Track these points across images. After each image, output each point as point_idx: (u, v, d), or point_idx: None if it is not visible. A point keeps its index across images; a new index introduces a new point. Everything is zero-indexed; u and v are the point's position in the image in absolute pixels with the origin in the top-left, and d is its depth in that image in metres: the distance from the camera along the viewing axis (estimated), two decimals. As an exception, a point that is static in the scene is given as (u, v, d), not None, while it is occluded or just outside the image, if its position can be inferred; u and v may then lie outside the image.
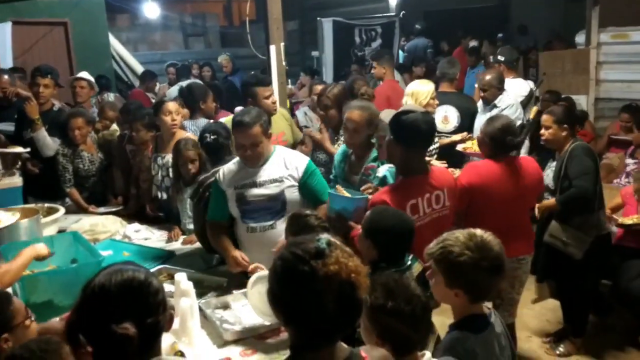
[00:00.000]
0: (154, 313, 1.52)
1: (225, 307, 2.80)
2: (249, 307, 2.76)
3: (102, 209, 4.45)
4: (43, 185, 4.55)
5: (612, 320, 4.09)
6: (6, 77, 4.85)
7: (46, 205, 3.93)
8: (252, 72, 5.68)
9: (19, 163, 4.64)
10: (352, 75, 6.83)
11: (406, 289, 1.72)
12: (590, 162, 3.64)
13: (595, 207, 3.67)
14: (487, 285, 1.87)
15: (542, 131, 3.84)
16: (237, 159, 3.14)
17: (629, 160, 5.18)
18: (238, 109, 6.12)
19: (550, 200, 3.76)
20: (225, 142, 3.46)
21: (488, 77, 4.94)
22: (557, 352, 3.83)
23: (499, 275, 1.88)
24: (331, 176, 3.51)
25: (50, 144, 4.52)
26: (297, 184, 3.05)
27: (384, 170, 3.12)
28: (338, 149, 3.73)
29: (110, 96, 7.05)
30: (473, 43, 9.27)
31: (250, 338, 2.52)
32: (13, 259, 2.62)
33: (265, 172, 3.04)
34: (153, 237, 3.91)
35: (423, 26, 10.65)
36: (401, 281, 1.77)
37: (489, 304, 1.97)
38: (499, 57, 5.75)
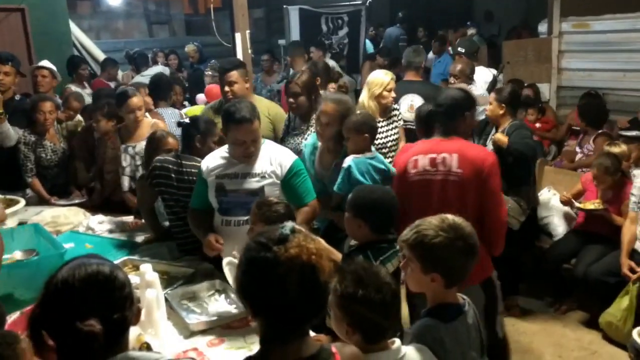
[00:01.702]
0: (120, 308, 1.48)
1: (192, 297, 2.78)
2: (215, 297, 2.75)
3: (63, 201, 4.36)
4: (2, 176, 4.43)
5: (570, 303, 4.19)
6: None
7: (6, 197, 3.83)
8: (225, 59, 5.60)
9: None
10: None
11: (376, 277, 1.74)
12: (529, 133, 4.02)
13: (531, 181, 4.04)
14: (461, 266, 1.91)
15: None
16: (223, 148, 3.07)
17: (578, 149, 5.32)
18: (200, 96, 6.10)
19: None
20: (195, 133, 3.40)
21: (460, 66, 5.06)
22: None
23: (472, 256, 1.92)
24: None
25: (12, 134, 4.40)
26: (278, 181, 2.97)
27: (349, 160, 3.12)
28: (308, 140, 3.73)
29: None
30: (471, 31, 9.31)
31: (217, 328, 2.51)
32: None
33: (249, 166, 2.97)
34: (117, 229, 3.84)
35: (404, 15, 10.66)
36: (371, 269, 1.79)
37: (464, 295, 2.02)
38: (459, 49, 5.85)
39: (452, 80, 5.07)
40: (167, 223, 3.60)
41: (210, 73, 6.91)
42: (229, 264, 2.65)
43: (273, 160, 3.00)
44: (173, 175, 3.28)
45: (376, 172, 3.12)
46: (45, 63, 5.49)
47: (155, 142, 3.67)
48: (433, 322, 1.89)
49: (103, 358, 1.45)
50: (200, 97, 6.53)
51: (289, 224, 1.43)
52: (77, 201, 4.35)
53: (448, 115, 2.96)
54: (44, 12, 7.36)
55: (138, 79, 7.31)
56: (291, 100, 3.90)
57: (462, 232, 1.91)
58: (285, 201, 2.68)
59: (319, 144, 3.44)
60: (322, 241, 1.44)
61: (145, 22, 13.33)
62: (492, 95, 4.34)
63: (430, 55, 8.42)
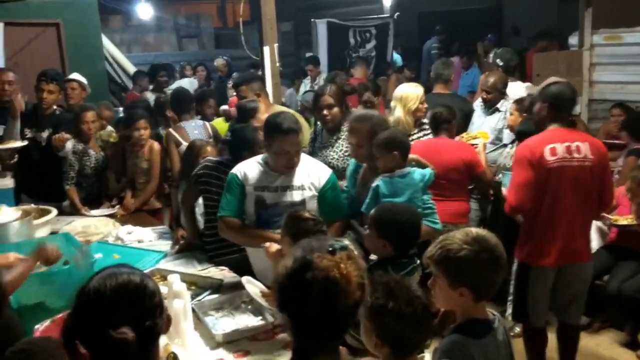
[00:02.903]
0: (151, 316, 1.49)
1: (219, 308, 2.79)
2: (242, 308, 2.76)
3: (94, 212, 4.43)
4: (39, 184, 4.53)
5: (603, 320, 4.09)
6: (11, 74, 4.86)
7: (39, 206, 3.90)
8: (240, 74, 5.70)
9: (16, 157, 4.61)
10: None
11: (407, 290, 1.72)
12: None
13: None
14: (489, 279, 1.89)
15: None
16: (255, 158, 3.07)
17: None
18: (224, 108, 6.16)
19: None
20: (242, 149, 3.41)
21: (492, 79, 4.94)
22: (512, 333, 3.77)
23: (500, 268, 1.89)
24: (344, 186, 3.33)
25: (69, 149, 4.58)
26: (317, 193, 2.97)
27: (377, 180, 3.03)
28: (335, 151, 3.74)
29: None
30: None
31: (244, 339, 2.50)
32: (21, 262, 2.52)
33: (288, 178, 2.95)
34: (146, 239, 3.88)
35: (442, 27, 10.59)
36: (402, 282, 1.77)
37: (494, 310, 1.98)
38: (498, 61, 5.72)
39: (483, 95, 4.98)
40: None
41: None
42: (249, 282, 2.67)
43: (311, 172, 2.99)
44: (222, 176, 3.27)
45: (411, 188, 3.00)
46: (74, 76, 5.62)
47: (195, 150, 3.79)
48: (462, 338, 1.86)
49: None
50: (224, 108, 6.59)
51: (345, 242, 1.46)
52: (107, 213, 4.42)
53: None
54: (78, 27, 7.54)
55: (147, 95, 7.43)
56: (325, 112, 3.83)
57: (487, 244, 1.88)
58: (317, 217, 2.60)
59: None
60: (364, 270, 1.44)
61: (175, 36, 13.55)
62: (513, 105, 4.31)
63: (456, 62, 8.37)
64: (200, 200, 3.58)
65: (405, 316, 1.67)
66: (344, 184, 3.39)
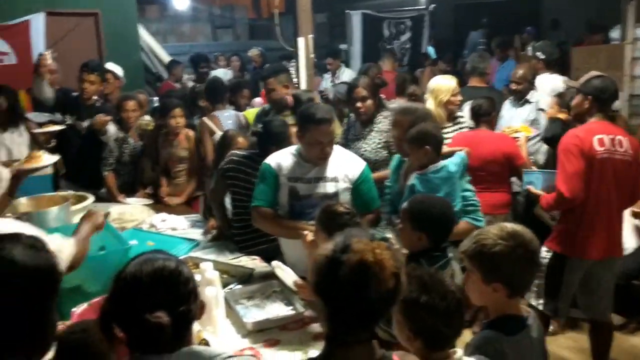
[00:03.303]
0: (185, 301, 1.52)
1: (250, 297, 2.81)
2: (272, 298, 2.77)
3: (130, 200, 4.51)
4: (78, 171, 4.63)
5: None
6: (50, 60, 4.99)
7: (76, 193, 3.98)
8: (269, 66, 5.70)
9: (53, 142, 4.72)
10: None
11: (441, 284, 1.71)
12: None
13: None
14: (523, 275, 1.87)
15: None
16: (289, 149, 3.07)
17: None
18: (257, 100, 6.20)
19: None
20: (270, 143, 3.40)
21: (522, 70, 4.91)
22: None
23: (534, 264, 1.88)
24: (387, 182, 3.28)
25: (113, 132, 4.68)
26: (351, 185, 2.97)
27: (412, 177, 2.96)
28: (368, 143, 3.71)
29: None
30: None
31: (274, 329, 2.52)
32: (78, 237, 2.51)
33: (322, 170, 2.95)
34: (180, 227, 3.94)
35: (488, 20, 10.39)
36: (436, 276, 1.76)
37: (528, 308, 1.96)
38: (539, 54, 5.60)
39: (513, 86, 4.92)
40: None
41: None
42: (278, 267, 2.69)
43: (344, 164, 2.99)
44: (249, 170, 3.30)
45: (447, 182, 2.91)
46: (109, 66, 5.73)
47: (227, 140, 3.83)
48: (495, 334, 1.84)
49: (170, 350, 1.49)
50: (257, 100, 6.61)
51: (388, 234, 1.45)
52: (144, 202, 4.49)
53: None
54: (115, 17, 7.66)
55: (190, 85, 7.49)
56: (359, 104, 3.83)
57: (522, 239, 1.87)
58: (352, 210, 2.58)
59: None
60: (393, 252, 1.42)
61: (210, 26, 13.65)
62: (554, 98, 4.23)
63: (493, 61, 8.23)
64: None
65: (438, 310, 1.66)
66: (385, 175, 3.36)
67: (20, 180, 3.76)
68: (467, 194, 2.98)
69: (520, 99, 4.80)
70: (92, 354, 1.74)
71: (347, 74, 8.05)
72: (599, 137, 3.16)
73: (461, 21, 11.51)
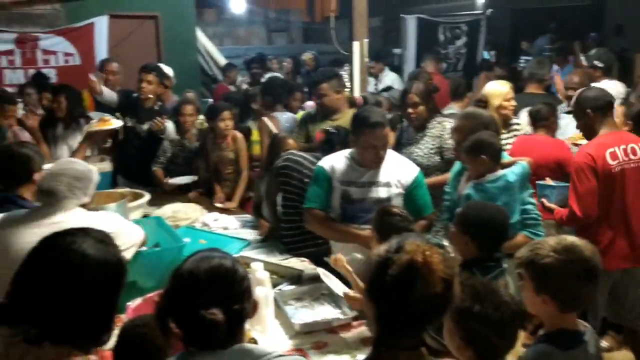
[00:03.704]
0: (239, 300, 1.55)
1: (298, 298, 2.83)
2: (321, 300, 2.78)
3: (173, 181, 4.62)
4: (135, 169, 4.78)
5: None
6: (115, 64, 5.16)
7: (133, 190, 4.10)
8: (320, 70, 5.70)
9: (109, 142, 4.88)
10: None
11: (495, 294, 1.68)
12: None
13: None
14: (575, 292, 1.81)
15: None
16: (343, 152, 3.07)
17: None
18: (309, 104, 6.22)
19: None
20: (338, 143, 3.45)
21: (577, 78, 4.80)
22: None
23: (589, 282, 1.81)
24: (446, 188, 3.23)
25: (171, 130, 4.80)
26: (403, 191, 2.95)
27: (467, 187, 2.91)
28: (421, 148, 3.68)
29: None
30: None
31: (322, 331, 2.53)
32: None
33: (375, 174, 2.94)
34: (231, 227, 4.00)
35: (556, 25, 10.13)
36: (490, 286, 1.73)
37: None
38: (596, 63, 5.44)
39: (570, 92, 4.78)
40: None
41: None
42: (325, 276, 2.70)
43: (398, 169, 2.98)
44: (304, 170, 3.34)
45: (506, 192, 2.83)
46: (161, 67, 5.88)
47: (278, 142, 3.89)
48: (549, 348, 1.79)
49: (223, 347, 1.52)
50: (309, 103, 6.63)
51: (444, 242, 1.45)
52: (185, 181, 4.59)
53: (610, 108, 3.29)
54: (174, 19, 7.87)
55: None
56: (410, 110, 3.80)
57: (579, 255, 1.81)
58: (407, 215, 2.57)
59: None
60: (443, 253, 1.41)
61: (265, 30, 13.81)
62: (620, 108, 4.08)
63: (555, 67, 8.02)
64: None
65: (491, 320, 1.63)
66: (437, 181, 3.33)
67: (93, 141, 4.20)
68: (529, 207, 2.89)
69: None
70: (152, 348, 1.80)
71: (390, 78, 8.01)
72: (611, 150, 3.13)
73: (518, 26, 11.24)
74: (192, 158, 4.82)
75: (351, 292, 2.51)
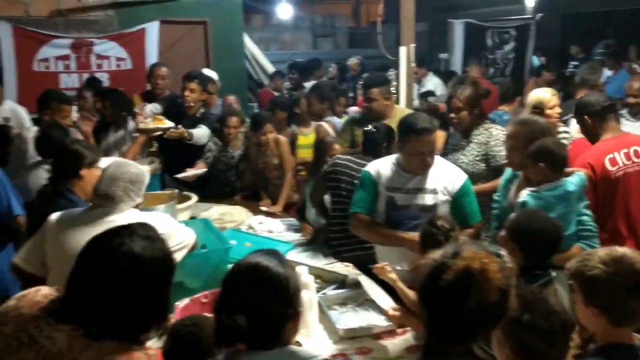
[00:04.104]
0: (292, 303, 1.58)
1: (342, 303, 2.83)
2: (365, 306, 2.78)
3: (190, 170, 4.68)
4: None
5: None
6: (164, 69, 5.28)
7: (181, 192, 4.18)
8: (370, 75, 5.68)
9: (155, 146, 4.99)
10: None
11: (545, 304, 1.64)
12: None
13: None
14: (625, 305, 1.74)
15: None
16: (390, 158, 3.06)
17: None
18: (353, 109, 6.22)
19: None
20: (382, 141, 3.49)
21: (638, 84, 4.62)
22: None
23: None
24: (495, 196, 3.16)
25: (202, 139, 4.81)
26: (450, 198, 2.92)
27: (524, 194, 2.78)
28: (466, 155, 3.63)
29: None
30: None
31: (366, 337, 2.52)
32: None
33: (422, 181, 2.92)
34: (276, 230, 4.04)
35: (613, 30, 9.86)
36: (539, 295, 1.69)
37: None
38: None
39: (631, 100, 4.63)
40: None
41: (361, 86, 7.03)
42: (366, 283, 2.69)
43: (445, 176, 2.94)
44: (352, 173, 3.36)
45: (563, 202, 2.73)
46: (205, 71, 6.00)
47: (323, 147, 3.93)
48: None
49: (270, 347, 1.54)
50: (353, 109, 6.62)
51: (501, 250, 1.46)
52: (198, 172, 4.65)
53: (609, 111, 3.28)
54: (223, 25, 8.00)
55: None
56: (452, 115, 3.78)
57: (629, 267, 1.74)
58: (449, 233, 2.52)
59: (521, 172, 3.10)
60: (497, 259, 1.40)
61: (311, 35, 13.90)
62: None
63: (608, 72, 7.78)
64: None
65: (541, 330, 1.59)
66: (483, 188, 3.30)
67: (145, 140, 4.54)
68: (585, 218, 2.80)
69: (636, 113, 4.52)
70: (201, 347, 1.83)
71: (433, 83, 7.93)
72: (610, 156, 3.13)
73: (568, 31, 10.97)
74: (235, 164, 4.87)
75: (391, 309, 2.49)
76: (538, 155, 2.76)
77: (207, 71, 6.03)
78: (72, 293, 1.52)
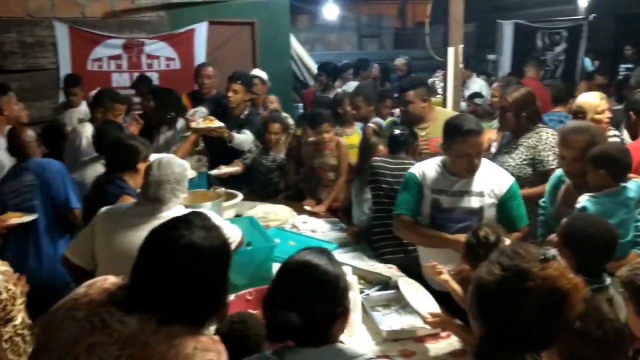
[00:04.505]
0: (341, 303, 1.60)
1: (386, 305, 2.83)
2: (409, 309, 2.76)
3: (216, 172, 4.73)
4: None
5: None
6: (210, 69, 5.38)
7: (227, 190, 4.25)
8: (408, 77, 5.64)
9: (201, 145, 5.09)
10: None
11: (598, 311, 1.61)
12: None
13: None
14: None
15: None
16: (436, 160, 3.05)
17: None
18: (397, 111, 6.16)
19: None
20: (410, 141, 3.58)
21: None
22: None
23: None
24: (541, 202, 3.14)
25: (245, 143, 4.88)
26: (497, 201, 2.88)
27: (583, 200, 2.74)
28: (514, 158, 3.57)
29: None
30: None
31: (410, 340, 2.51)
32: None
33: (468, 183, 2.88)
34: (319, 230, 4.05)
35: None
36: (593, 302, 1.65)
37: None
38: None
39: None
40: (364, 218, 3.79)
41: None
42: (405, 286, 2.68)
43: (491, 178, 2.90)
44: (396, 173, 3.37)
45: (623, 208, 2.68)
46: (256, 71, 6.06)
47: (368, 148, 3.95)
48: None
49: (317, 345, 1.56)
50: (398, 111, 6.58)
51: (552, 251, 1.42)
52: (231, 170, 4.70)
53: None
54: (270, 26, 8.06)
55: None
56: (498, 116, 3.75)
57: None
58: (492, 247, 2.44)
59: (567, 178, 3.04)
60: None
61: (356, 35, 13.88)
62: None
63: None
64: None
65: (593, 338, 1.56)
66: (529, 193, 3.24)
67: (196, 138, 4.63)
68: None
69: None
70: (249, 345, 1.87)
71: (478, 85, 7.81)
72: None
73: (623, 32, 10.62)
74: (277, 167, 4.90)
75: (429, 315, 2.46)
76: (599, 161, 2.70)
77: (257, 71, 6.09)
78: (137, 283, 1.58)
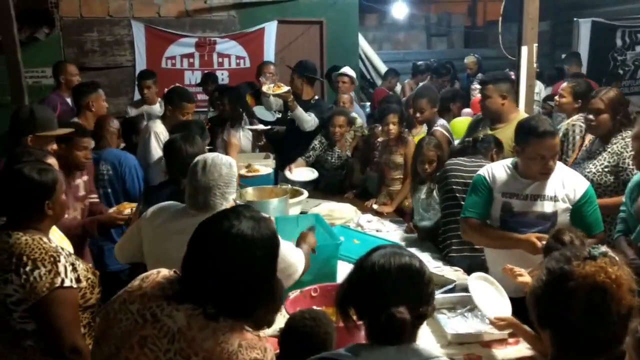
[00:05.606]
0: (425, 302, 1.56)
1: (451, 308, 2.78)
2: (475, 312, 2.71)
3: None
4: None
5: None
6: (272, 67, 5.48)
7: (293, 187, 4.30)
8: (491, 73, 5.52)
9: (262, 141, 5.18)
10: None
11: None
12: None
13: None
14: None
15: None
16: (506, 162, 2.98)
17: None
18: (466, 111, 6.03)
19: None
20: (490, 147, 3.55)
21: None
22: None
23: None
24: (623, 198, 3.01)
25: (307, 118, 4.99)
26: (571, 206, 2.79)
27: None
28: (595, 164, 3.40)
29: None
30: None
31: (476, 344, 2.47)
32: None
33: (540, 187, 2.80)
34: (384, 229, 4.04)
35: None
36: None
37: None
38: None
39: None
40: (423, 223, 3.82)
41: (476, 86, 6.83)
42: (480, 278, 2.60)
43: (566, 182, 2.80)
44: (464, 174, 3.34)
45: None
46: (346, 70, 6.09)
47: (417, 150, 3.96)
48: None
49: (394, 343, 1.52)
50: (466, 110, 6.42)
51: (603, 248, 1.37)
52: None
53: None
54: (338, 25, 8.09)
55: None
56: (591, 117, 3.46)
57: None
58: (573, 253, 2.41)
59: None
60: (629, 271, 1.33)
61: (425, 34, 13.68)
62: None
63: None
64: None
65: None
66: (607, 202, 3.12)
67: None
68: None
69: None
70: (317, 341, 1.88)
71: (537, 86, 7.51)
72: None
73: None
74: (342, 164, 4.91)
75: (495, 318, 2.40)
76: None
77: (347, 69, 6.14)
78: (188, 275, 1.61)
